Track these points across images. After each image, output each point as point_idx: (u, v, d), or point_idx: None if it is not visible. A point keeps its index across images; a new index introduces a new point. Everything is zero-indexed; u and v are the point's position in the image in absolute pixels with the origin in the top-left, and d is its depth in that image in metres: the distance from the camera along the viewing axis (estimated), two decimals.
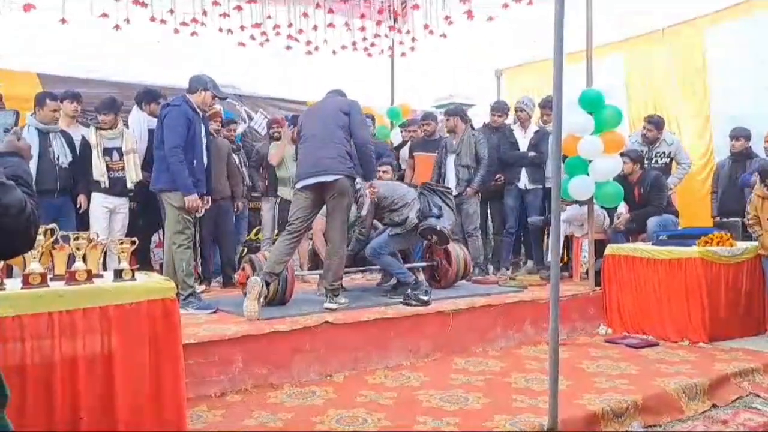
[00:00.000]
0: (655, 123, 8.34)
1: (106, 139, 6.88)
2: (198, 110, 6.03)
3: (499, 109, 8.65)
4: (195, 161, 5.91)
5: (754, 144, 8.26)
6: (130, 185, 6.97)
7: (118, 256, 3.75)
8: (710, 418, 4.47)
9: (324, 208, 6.10)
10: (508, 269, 8.40)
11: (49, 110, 6.50)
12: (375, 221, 7.04)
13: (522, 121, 8.40)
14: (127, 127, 7.27)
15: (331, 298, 5.77)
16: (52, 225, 3.52)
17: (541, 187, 8.18)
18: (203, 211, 6.16)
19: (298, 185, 5.92)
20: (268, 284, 5.65)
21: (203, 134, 6.12)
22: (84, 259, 3.55)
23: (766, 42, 8.71)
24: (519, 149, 8.31)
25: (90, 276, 3.48)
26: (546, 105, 8.31)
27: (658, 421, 4.34)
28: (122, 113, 7.21)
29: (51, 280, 3.44)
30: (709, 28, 9.44)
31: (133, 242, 3.88)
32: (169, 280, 3.79)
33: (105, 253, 4.24)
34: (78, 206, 6.82)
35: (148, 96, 7.48)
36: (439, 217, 6.68)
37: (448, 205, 6.89)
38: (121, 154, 6.92)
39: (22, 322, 3.07)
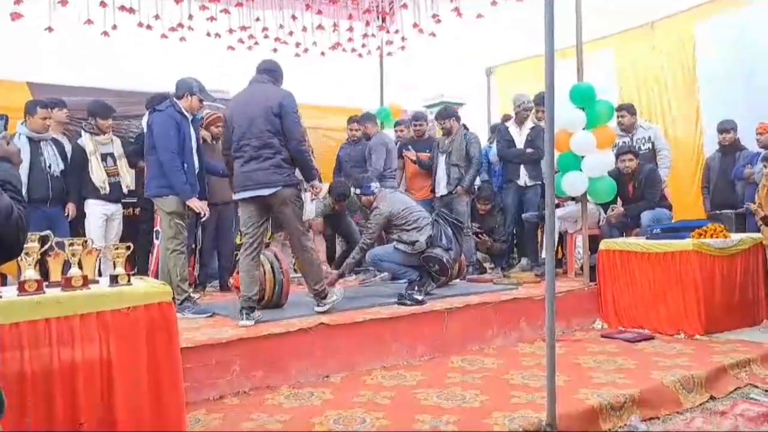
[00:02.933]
0: (627, 108, 8.42)
1: (100, 145, 6.88)
2: (186, 114, 6.00)
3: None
4: (186, 165, 5.89)
5: (743, 136, 8.30)
6: (125, 190, 6.97)
7: (114, 262, 3.73)
8: (708, 409, 4.49)
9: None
10: (502, 267, 8.40)
11: (39, 118, 6.48)
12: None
13: (521, 119, 8.37)
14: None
15: (319, 301, 5.64)
16: (47, 231, 3.50)
17: (539, 183, 8.14)
18: (206, 214, 6.13)
19: (236, 197, 5.71)
20: (252, 309, 5.39)
21: (193, 138, 6.08)
22: (79, 265, 3.54)
23: (754, 35, 8.75)
24: (516, 146, 8.30)
25: (86, 282, 3.47)
26: (540, 102, 8.30)
27: (657, 414, 4.35)
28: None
29: (47, 287, 3.42)
30: (698, 21, 9.47)
31: (128, 247, 3.87)
32: (165, 285, 3.78)
33: (99, 260, 4.20)
34: (66, 214, 6.79)
35: (160, 100, 7.40)
36: (447, 249, 6.72)
37: (458, 240, 6.93)
38: (114, 160, 6.93)
39: (19, 330, 3.05)
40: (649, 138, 8.35)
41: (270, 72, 5.67)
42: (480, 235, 8.33)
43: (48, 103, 6.72)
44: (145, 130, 7.14)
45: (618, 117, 8.29)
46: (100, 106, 7.03)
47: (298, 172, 5.66)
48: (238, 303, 5.43)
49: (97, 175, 6.79)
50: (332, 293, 5.72)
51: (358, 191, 6.90)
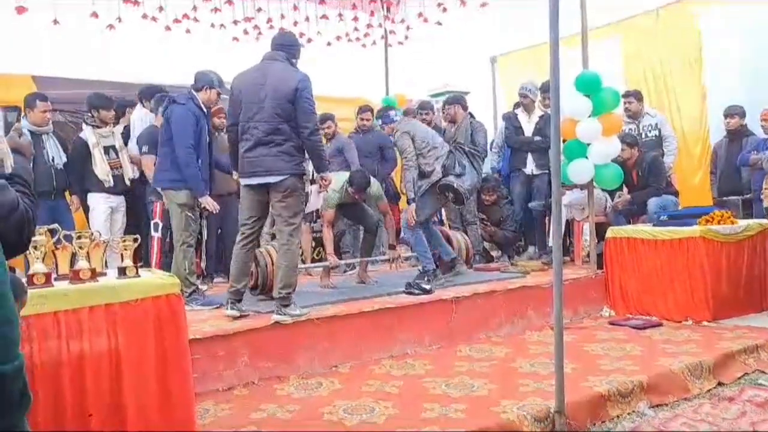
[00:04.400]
0: (634, 95, 8.40)
1: (102, 137, 6.86)
2: (203, 108, 5.96)
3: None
4: (201, 159, 5.86)
5: (749, 123, 8.27)
6: (127, 182, 6.97)
7: (121, 254, 3.74)
8: (716, 395, 4.49)
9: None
10: (510, 256, 8.38)
11: (39, 112, 6.44)
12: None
13: (526, 107, 8.32)
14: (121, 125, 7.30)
15: (280, 308, 5.07)
16: (54, 225, 3.51)
17: (547, 171, 8.04)
18: (216, 211, 6.10)
19: (242, 182, 5.40)
20: (239, 301, 5.29)
21: (207, 132, 6.05)
22: (87, 257, 3.54)
23: (759, 21, 8.70)
24: (524, 134, 8.26)
25: (94, 274, 3.48)
26: (547, 89, 8.24)
27: (665, 400, 4.35)
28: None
29: (55, 279, 3.43)
30: (704, 8, 9.41)
31: (135, 239, 3.88)
32: (173, 276, 3.79)
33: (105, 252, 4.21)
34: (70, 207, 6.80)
35: (149, 92, 7.41)
36: (459, 175, 6.59)
37: (474, 166, 6.79)
38: (116, 152, 6.92)
39: (28, 323, 3.05)
40: (656, 125, 8.33)
41: (286, 47, 5.29)
42: (486, 226, 8.30)
43: (48, 97, 6.70)
44: (132, 123, 7.17)
45: (625, 103, 8.25)
46: (102, 98, 7.00)
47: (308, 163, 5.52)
48: (227, 304, 5.28)
49: (101, 167, 6.75)
50: (295, 307, 5.17)
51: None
